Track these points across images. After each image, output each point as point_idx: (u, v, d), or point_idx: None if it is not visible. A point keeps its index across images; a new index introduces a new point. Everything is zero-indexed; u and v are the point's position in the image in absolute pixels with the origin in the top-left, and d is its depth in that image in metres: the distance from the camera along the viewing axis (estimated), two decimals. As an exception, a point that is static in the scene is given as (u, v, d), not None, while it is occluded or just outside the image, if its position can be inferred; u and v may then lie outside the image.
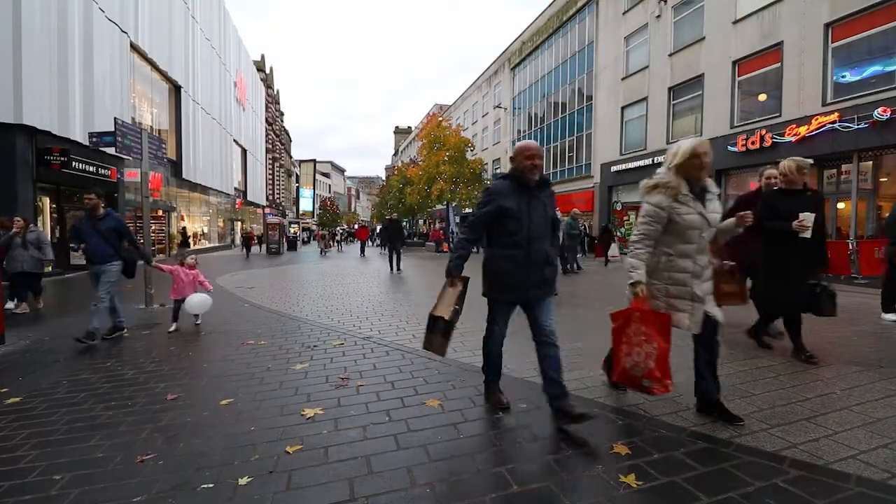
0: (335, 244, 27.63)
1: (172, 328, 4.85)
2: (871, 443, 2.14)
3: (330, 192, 77.71)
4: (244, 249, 20.86)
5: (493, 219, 2.45)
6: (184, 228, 21.54)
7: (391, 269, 11.72)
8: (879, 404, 2.59)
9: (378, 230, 25.98)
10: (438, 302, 2.49)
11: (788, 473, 1.89)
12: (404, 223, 49.83)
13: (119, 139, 6.41)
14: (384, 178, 68.00)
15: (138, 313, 5.98)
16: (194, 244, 22.38)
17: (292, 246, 26.31)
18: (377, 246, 25.53)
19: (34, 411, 2.70)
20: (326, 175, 79.45)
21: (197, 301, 5.01)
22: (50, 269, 11.41)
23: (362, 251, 20.98)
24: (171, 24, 17.46)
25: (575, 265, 11.28)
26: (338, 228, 40.69)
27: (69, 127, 11.21)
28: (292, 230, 27.67)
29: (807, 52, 11.42)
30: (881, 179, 10.61)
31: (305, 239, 26.53)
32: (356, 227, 33.52)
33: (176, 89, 18.46)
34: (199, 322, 5.16)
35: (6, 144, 9.88)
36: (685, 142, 2.33)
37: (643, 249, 2.34)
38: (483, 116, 34.99)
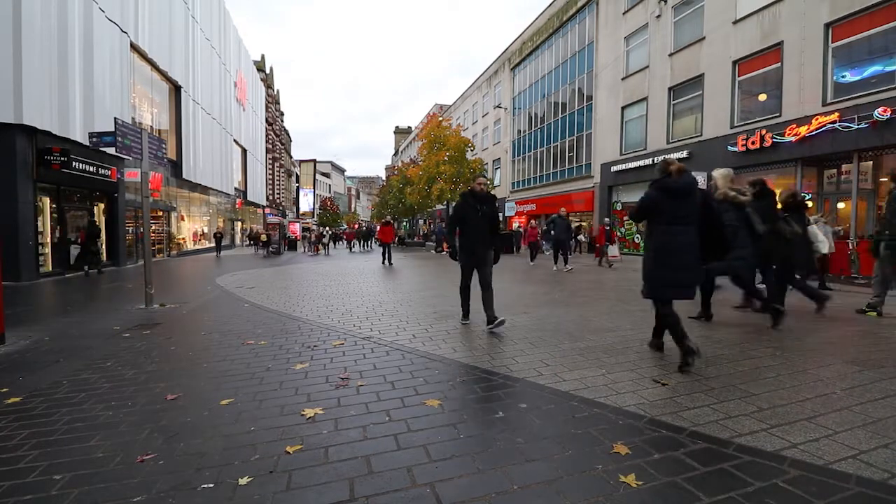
0: (321, 247, 24.52)
1: None
2: (871, 443, 2.14)
3: (330, 191, 77.75)
4: (254, 247, 23.62)
5: None
6: (257, 233, 22.87)
7: (466, 314, 4.95)
8: (879, 404, 2.59)
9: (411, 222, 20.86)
10: None
11: (788, 473, 1.89)
12: (404, 224, 48.03)
13: (119, 139, 6.40)
14: (384, 178, 67.94)
15: (138, 313, 5.99)
16: (195, 243, 22.37)
17: (293, 246, 26.40)
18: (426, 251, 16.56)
19: (34, 411, 2.70)
20: (326, 175, 79.49)
21: None
22: (50, 268, 11.44)
23: (387, 259, 14.70)
24: (171, 25, 17.46)
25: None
26: (325, 229, 40.06)
27: (69, 127, 11.21)
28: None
29: (807, 52, 11.42)
30: (881, 179, 10.60)
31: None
32: (360, 224, 32.98)
33: (176, 89, 18.46)
34: None
35: (6, 144, 9.89)
36: None
37: None
38: (483, 116, 35.00)
